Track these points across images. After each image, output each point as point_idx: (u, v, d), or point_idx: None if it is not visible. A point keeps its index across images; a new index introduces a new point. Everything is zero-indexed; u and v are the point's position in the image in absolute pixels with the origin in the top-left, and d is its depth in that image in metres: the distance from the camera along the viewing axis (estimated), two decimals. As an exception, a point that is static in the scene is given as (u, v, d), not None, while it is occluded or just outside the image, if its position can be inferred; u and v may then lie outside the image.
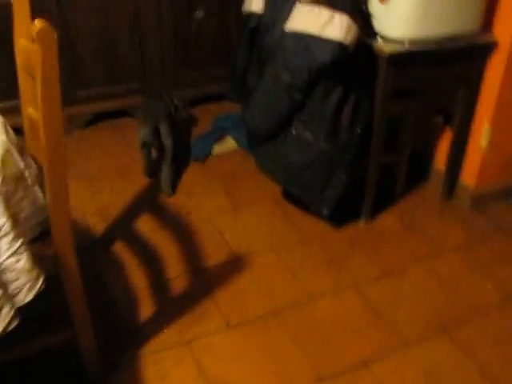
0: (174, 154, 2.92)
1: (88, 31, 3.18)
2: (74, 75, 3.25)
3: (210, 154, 3.20)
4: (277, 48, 2.31)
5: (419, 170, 2.95)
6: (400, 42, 2.30)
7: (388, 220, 2.69)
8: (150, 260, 2.46)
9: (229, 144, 3.28)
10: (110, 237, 2.60)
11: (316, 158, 2.37)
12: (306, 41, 2.16)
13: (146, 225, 2.66)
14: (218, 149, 3.23)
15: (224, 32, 3.48)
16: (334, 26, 2.13)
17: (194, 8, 3.35)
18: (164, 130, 2.89)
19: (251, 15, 2.60)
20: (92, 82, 3.31)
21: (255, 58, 2.64)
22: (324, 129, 2.31)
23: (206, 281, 2.35)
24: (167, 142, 2.90)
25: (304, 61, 2.18)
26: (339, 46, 2.14)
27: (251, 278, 2.36)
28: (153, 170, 3.01)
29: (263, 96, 2.38)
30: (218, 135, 3.31)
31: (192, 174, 3.03)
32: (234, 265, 2.44)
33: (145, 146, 2.91)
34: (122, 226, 2.66)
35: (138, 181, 2.98)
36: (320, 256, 2.48)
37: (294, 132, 2.39)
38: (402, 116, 2.61)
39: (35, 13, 1.60)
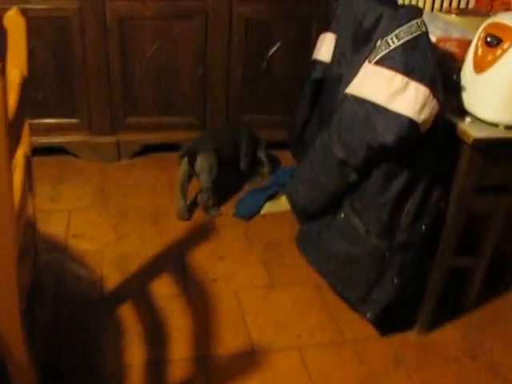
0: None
1: (148, 56, 2.87)
2: (127, 100, 2.97)
3: (258, 212, 2.75)
4: (335, 112, 1.85)
5: (499, 275, 2.38)
6: (493, 125, 1.79)
7: (447, 336, 2.16)
8: (155, 333, 2.09)
9: (282, 203, 2.84)
10: (120, 295, 2.26)
11: (365, 252, 1.91)
12: (368, 110, 1.71)
13: (163, 288, 2.30)
14: (268, 208, 2.81)
15: (299, 72, 3.04)
16: (406, 98, 1.67)
17: (268, 44, 2.93)
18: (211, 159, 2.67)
19: (317, 64, 2.16)
20: (146, 110, 3.01)
21: (316, 115, 2.20)
22: (379, 221, 1.85)
23: (210, 372, 1.95)
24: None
25: (363, 135, 1.73)
26: (409, 124, 1.67)
27: (263, 381, 1.92)
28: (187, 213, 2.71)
29: (311, 168, 1.95)
30: (273, 191, 2.89)
31: (230, 233, 2.63)
32: (248, 360, 2.02)
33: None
34: (138, 285, 2.32)
35: (170, 230, 2.64)
36: (354, 368, 2.02)
37: (342, 216, 1.93)
38: (485, 213, 2.07)
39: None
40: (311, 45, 2.86)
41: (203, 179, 2.69)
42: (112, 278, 2.32)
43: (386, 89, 1.69)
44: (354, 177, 1.85)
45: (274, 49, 2.98)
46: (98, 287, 2.28)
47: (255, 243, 2.59)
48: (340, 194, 1.92)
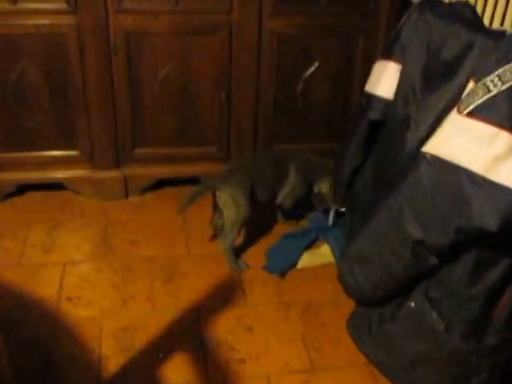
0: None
1: (161, 79, 2.41)
2: (136, 129, 2.52)
3: (294, 266, 2.28)
4: (407, 171, 1.37)
5: None
6: None
7: None
8: None
9: (323, 254, 2.38)
10: None
11: (443, 354, 1.43)
12: (459, 181, 1.24)
13: (177, 374, 1.84)
14: (306, 259, 2.34)
15: (341, 96, 2.56)
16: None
17: (305, 63, 2.45)
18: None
19: (374, 100, 1.68)
20: (158, 139, 2.56)
21: (372, 164, 1.71)
22: (465, 317, 1.37)
23: None
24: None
25: (451, 214, 1.26)
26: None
27: None
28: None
29: (373, 244, 1.48)
30: (312, 238, 2.40)
31: (259, 294, 2.17)
32: None
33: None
34: (145, 370, 1.84)
35: (186, 291, 2.18)
36: None
37: (412, 306, 1.45)
38: None
39: None
40: (355, 65, 2.42)
41: (224, 220, 2.24)
42: (113, 359, 1.88)
43: (486, 151, 1.22)
44: (432, 261, 1.37)
45: (312, 69, 2.51)
46: (95, 371, 1.82)
47: (292, 308, 2.12)
48: (411, 279, 1.43)
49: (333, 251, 2.35)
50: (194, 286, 2.17)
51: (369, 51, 2.47)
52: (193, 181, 2.62)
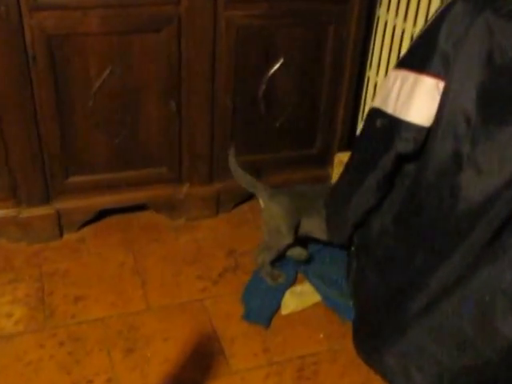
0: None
1: (95, 89, 1.93)
2: (67, 154, 2.03)
3: (277, 311, 1.89)
4: (467, 233, 0.99)
5: None
6: None
7: None
8: None
9: (307, 293, 2.00)
10: None
11: None
12: None
13: None
14: (291, 303, 1.96)
15: (308, 98, 2.18)
16: None
17: (268, 60, 2.00)
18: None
19: (404, 128, 1.28)
20: (95, 164, 2.09)
21: (395, 207, 1.33)
22: None
23: None
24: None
25: None
26: None
27: None
28: None
29: (438, 340, 1.11)
30: (292, 275, 2.03)
31: (243, 357, 1.80)
32: None
33: None
34: None
35: (154, 361, 1.75)
36: None
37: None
38: None
39: None
40: (325, 59, 2.03)
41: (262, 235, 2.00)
42: None
43: None
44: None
45: (276, 66, 2.08)
46: None
47: (285, 372, 1.76)
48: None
49: (318, 290, 1.97)
50: (162, 354, 1.76)
51: (339, 42, 2.08)
52: (140, 207, 2.18)
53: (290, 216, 1.93)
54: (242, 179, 1.99)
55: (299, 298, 1.98)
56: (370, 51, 2.34)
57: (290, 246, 2.00)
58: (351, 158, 1.68)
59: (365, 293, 1.61)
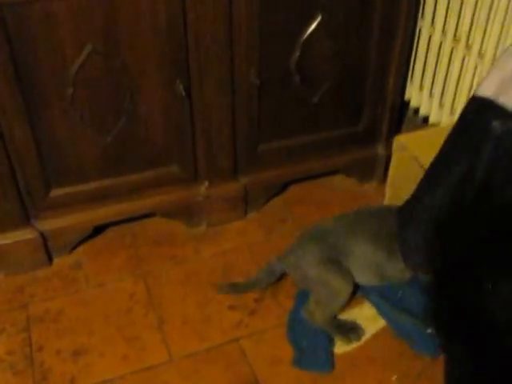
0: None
1: (74, 74, 1.44)
2: (47, 162, 1.55)
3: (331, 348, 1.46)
4: None
5: None
6: None
7: None
8: None
9: (368, 319, 1.53)
10: None
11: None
12: None
13: None
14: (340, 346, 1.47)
15: (352, 65, 1.65)
16: None
17: (303, 19, 1.48)
18: None
19: None
20: (83, 170, 1.60)
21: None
22: None
23: None
24: None
25: None
26: None
27: None
28: None
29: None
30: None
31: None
32: None
33: None
34: None
35: None
36: None
37: None
38: None
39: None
40: (374, 16, 1.48)
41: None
42: None
43: None
44: None
45: (313, 27, 1.55)
46: None
47: None
48: None
49: (382, 314, 1.55)
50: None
51: None
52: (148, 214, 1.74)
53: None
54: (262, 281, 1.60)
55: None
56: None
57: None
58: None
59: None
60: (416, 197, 1.30)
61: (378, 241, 1.50)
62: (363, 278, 1.53)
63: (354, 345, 1.49)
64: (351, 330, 1.49)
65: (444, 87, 1.82)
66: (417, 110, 1.97)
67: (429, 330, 1.45)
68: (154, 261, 1.70)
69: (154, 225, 1.80)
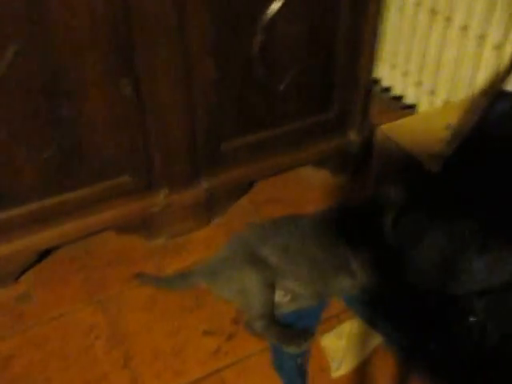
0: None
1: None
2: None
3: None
4: None
5: None
6: None
7: None
8: None
9: (362, 335, 1.36)
10: None
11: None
12: None
13: None
14: (338, 356, 1.35)
15: (319, 48, 1.49)
16: None
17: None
18: None
19: None
20: (19, 191, 1.36)
21: None
22: None
23: None
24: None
25: None
26: None
27: None
28: None
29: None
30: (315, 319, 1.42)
31: None
32: None
33: None
34: None
35: None
36: None
37: None
38: None
39: None
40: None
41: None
42: None
43: None
44: None
45: (276, 7, 1.33)
46: None
47: None
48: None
49: (375, 327, 1.38)
50: None
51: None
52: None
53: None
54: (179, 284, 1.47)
55: (350, 346, 1.34)
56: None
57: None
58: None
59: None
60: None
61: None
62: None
63: (354, 365, 1.32)
64: (296, 335, 1.33)
65: (421, 64, 1.64)
66: (387, 89, 1.80)
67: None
68: (112, 284, 1.49)
69: (108, 241, 1.59)
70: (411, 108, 1.83)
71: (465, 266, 1.07)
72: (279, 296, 1.40)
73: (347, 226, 1.40)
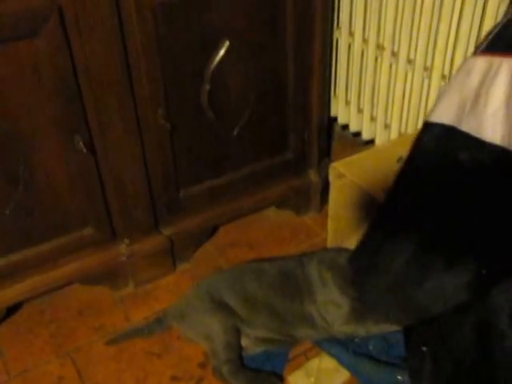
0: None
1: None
2: None
3: None
4: None
5: None
6: None
7: None
8: None
9: (330, 371, 1.38)
10: None
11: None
12: None
13: None
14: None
15: (270, 86, 1.53)
16: None
17: (209, 46, 1.33)
18: None
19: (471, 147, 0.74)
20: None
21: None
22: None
23: None
24: None
25: None
26: None
27: None
28: None
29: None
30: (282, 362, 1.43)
31: None
32: None
33: None
34: None
35: None
36: None
37: None
38: None
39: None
40: (286, 29, 1.34)
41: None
42: None
43: None
44: None
45: (221, 54, 1.40)
46: None
47: None
48: None
49: (342, 362, 1.39)
50: None
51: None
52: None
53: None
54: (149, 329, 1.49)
55: (319, 382, 1.35)
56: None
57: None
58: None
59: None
60: (374, 238, 1.15)
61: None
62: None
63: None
64: (265, 380, 1.34)
65: (373, 99, 1.68)
66: (346, 126, 1.84)
67: (399, 377, 1.31)
68: (80, 335, 1.51)
69: (75, 293, 1.61)
70: (372, 143, 1.87)
71: (411, 294, 1.08)
72: (245, 340, 1.41)
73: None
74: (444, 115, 0.95)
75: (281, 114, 1.60)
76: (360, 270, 1.23)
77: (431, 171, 1.00)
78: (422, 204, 1.03)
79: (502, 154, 0.86)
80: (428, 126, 0.99)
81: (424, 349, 1.16)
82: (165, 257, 1.61)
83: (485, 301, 0.92)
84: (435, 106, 0.99)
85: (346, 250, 1.46)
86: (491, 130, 0.87)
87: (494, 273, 0.92)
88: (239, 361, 1.37)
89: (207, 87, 1.43)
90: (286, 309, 1.40)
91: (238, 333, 1.39)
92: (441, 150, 0.96)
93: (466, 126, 0.91)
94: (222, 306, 1.40)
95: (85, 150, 1.32)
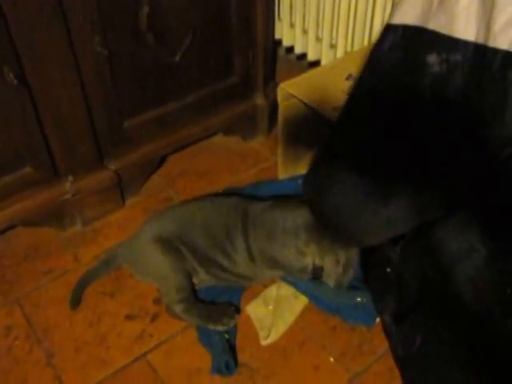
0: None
1: None
2: None
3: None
4: None
5: None
6: None
7: None
8: None
9: (288, 298, 1.37)
10: None
11: None
12: None
13: None
14: (266, 323, 1.31)
15: (211, 10, 1.42)
16: None
17: None
18: None
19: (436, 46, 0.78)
20: None
21: None
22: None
23: None
24: None
25: None
26: None
27: None
28: None
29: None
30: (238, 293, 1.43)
31: None
32: None
33: None
34: None
35: None
36: None
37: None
38: None
39: None
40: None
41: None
42: None
43: None
44: None
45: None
46: None
47: None
48: None
49: (299, 289, 1.39)
50: None
51: None
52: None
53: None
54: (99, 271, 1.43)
55: (278, 311, 1.33)
56: None
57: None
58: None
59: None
60: (331, 155, 1.10)
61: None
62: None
63: (283, 330, 1.32)
64: (221, 313, 1.31)
65: (318, 19, 1.61)
66: (291, 48, 1.77)
67: (358, 299, 1.30)
68: (27, 281, 1.44)
69: (20, 237, 1.53)
70: (317, 64, 1.81)
71: (372, 215, 1.05)
72: (197, 278, 1.38)
73: None
74: (407, 15, 0.88)
75: (225, 36, 1.52)
76: (316, 191, 1.19)
77: (393, 81, 0.94)
78: (383, 119, 0.98)
79: (477, 51, 0.80)
80: (389, 29, 0.91)
81: (388, 270, 1.15)
82: (112, 192, 1.54)
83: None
84: (396, 7, 0.91)
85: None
86: (464, 26, 0.80)
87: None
88: (192, 297, 1.33)
89: (146, 9, 1.33)
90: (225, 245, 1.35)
91: (189, 274, 1.35)
92: (405, 53, 0.90)
93: (435, 24, 0.84)
94: (171, 248, 1.35)
95: (15, 82, 1.21)
